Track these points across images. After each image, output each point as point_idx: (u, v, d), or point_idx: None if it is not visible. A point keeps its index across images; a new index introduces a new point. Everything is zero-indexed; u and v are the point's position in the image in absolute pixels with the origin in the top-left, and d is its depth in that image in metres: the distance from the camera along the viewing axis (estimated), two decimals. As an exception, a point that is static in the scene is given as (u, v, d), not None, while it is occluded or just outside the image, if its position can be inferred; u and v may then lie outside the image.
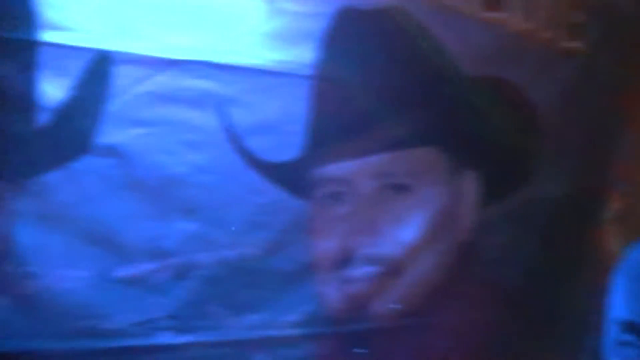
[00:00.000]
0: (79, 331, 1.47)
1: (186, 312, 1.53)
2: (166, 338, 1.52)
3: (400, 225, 1.65)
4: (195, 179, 1.53)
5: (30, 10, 1.41)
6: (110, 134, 1.47)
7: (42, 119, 1.43)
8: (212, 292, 1.55)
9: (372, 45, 1.63)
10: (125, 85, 1.48)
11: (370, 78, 1.62)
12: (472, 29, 1.76)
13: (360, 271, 1.62)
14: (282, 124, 1.58)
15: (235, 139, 1.54)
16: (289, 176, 1.59)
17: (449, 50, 1.72)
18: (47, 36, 1.42)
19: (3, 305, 1.43)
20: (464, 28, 1.75)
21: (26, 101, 1.42)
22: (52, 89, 1.44)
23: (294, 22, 1.58)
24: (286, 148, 1.59)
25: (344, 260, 1.62)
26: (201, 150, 1.53)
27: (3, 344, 1.42)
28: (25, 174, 1.44)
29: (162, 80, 1.50)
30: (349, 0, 1.61)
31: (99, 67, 1.46)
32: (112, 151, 1.48)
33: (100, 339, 1.48)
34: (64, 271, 1.47)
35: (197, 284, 1.54)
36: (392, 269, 1.65)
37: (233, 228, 1.55)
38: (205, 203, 1.54)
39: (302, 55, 1.59)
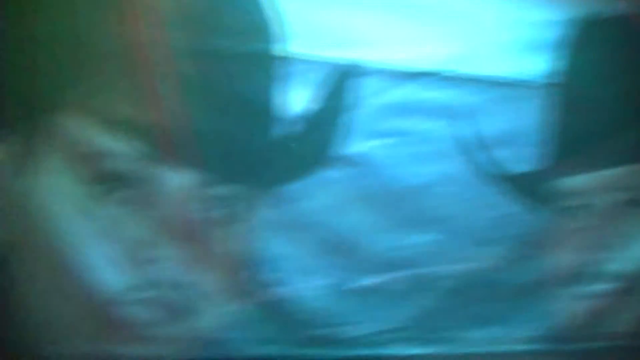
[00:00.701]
0: (316, 339, 1.50)
1: (421, 323, 1.53)
2: (400, 349, 1.53)
3: (636, 242, 1.59)
4: (432, 190, 1.53)
5: (276, 24, 1.45)
6: (349, 146, 1.50)
7: (286, 130, 1.47)
8: (447, 305, 1.54)
9: (614, 53, 1.57)
10: (365, 97, 1.50)
11: (611, 88, 1.56)
12: None
13: (596, 288, 1.57)
14: (521, 135, 1.55)
15: (474, 150, 1.53)
16: (528, 188, 1.56)
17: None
18: (292, 49, 1.45)
19: (245, 311, 1.48)
20: None
21: (271, 113, 1.46)
22: (296, 101, 1.47)
23: (533, 31, 1.55)
24: (525, 159, 1.56)
25: (580, 275, 1.56)
26: (438, 162, 1.53)
27: (243, 347, 1.47)
28: (268, 184, 1.48)
29: (401, 92, 1.51)
30: (589, 8, 1.56)
31: (341, 79, 1.49)
32: (350, 162, 1.50)
33: (336, 347, 1.51)
34: (302, 279, 1.50)
35: (431, 296, 1.54)
36: (629, 286, 1.58)
37: (469, 241, 1.54)
38: (442, 215, 1.53)
39: (542, 65, 1.56)
